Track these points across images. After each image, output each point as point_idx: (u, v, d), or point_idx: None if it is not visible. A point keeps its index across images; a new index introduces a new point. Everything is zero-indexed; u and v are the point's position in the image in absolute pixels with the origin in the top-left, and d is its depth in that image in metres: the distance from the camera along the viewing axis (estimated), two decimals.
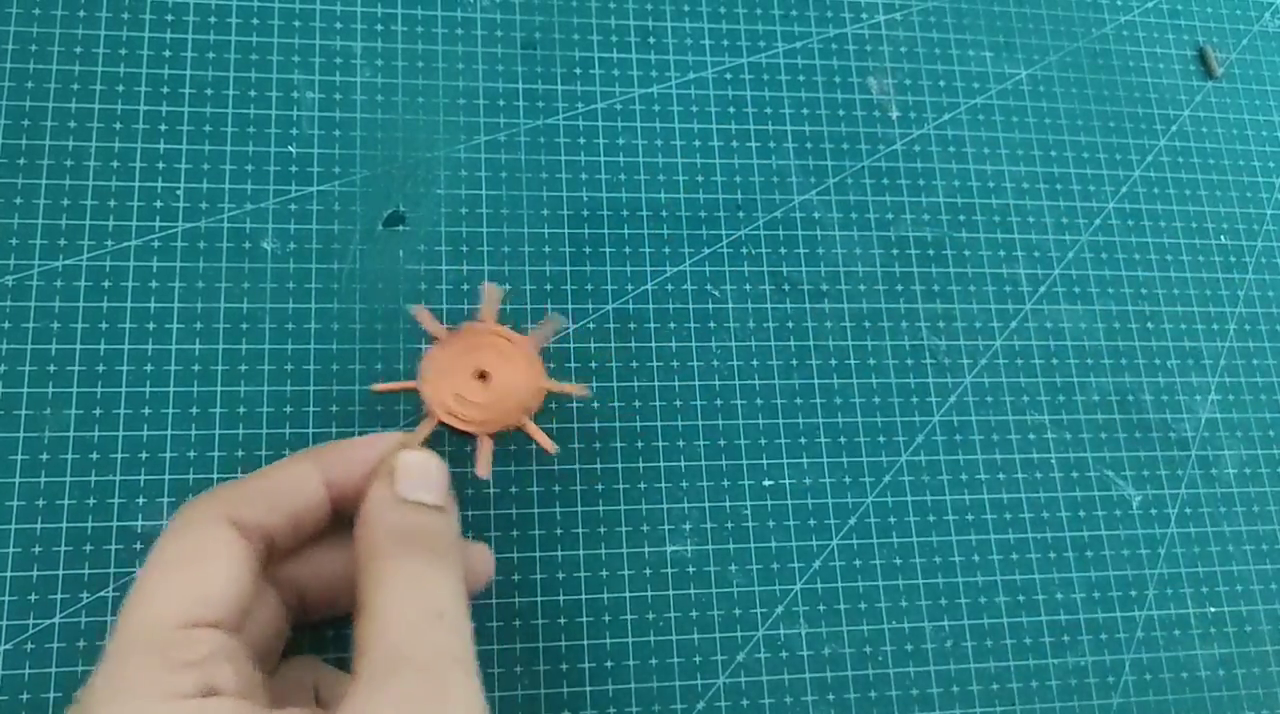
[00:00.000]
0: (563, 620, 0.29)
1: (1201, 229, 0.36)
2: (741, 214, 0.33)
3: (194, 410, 0.28)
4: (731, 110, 0.34)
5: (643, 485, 0.30)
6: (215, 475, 0.28)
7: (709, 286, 0.32)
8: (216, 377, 0.28)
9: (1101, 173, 0.36)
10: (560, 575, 0.29)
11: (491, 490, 0.29)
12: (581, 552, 0.29)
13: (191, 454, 0.28)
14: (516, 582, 0.29)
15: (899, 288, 0.33)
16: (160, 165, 0.30)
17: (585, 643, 0.28)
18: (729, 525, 0.30)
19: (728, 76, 0.34)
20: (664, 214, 0.32)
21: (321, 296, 0.30)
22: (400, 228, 0.31)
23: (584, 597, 0.29)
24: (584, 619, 0.29)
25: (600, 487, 0.30)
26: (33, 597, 0.26)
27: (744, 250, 0.32)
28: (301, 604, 0.24)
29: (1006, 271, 0.34)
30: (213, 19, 0.31)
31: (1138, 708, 0.31)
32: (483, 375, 0.25)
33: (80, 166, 0.29)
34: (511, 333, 0.26)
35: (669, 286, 0.32)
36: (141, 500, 0.27)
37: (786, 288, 0.32)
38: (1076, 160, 0.35)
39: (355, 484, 0.22)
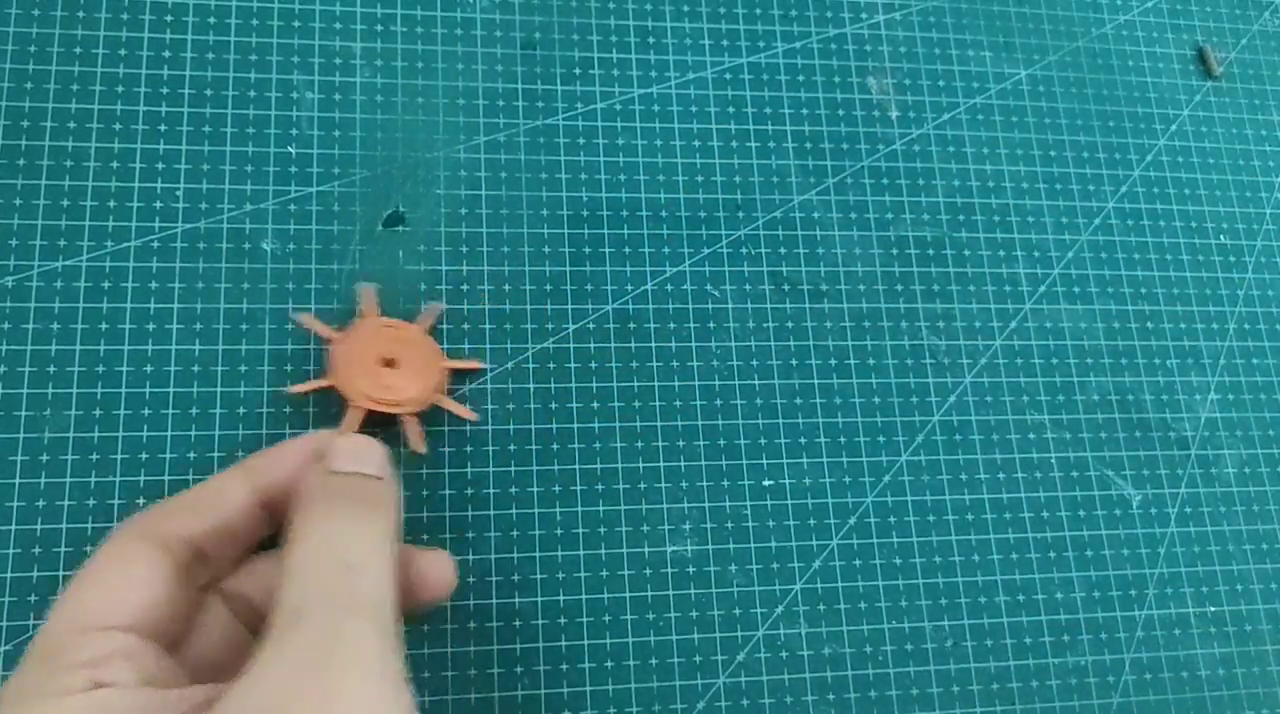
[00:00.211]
0: (563, 620, 0.29)
1: (1201, 229, 0.36)
2: (741, 214, 0.33)
3: (194, 411, 0.28)
4: (731, 110, 0.34)
5: (643, 485, 0.30)
6: None
7: (709, 286, 0.32)
8: (216, 377, 0.28)
9: (1101, 172, 0.36)
10: (560, 575, 0.29)
11: (492, 491, 0.29)
12: (581, 552, 0.29)
13: (191, 455, 0.28)
14: (516, 582, 0.29)
15: (899, 288, 0.33)
16: (160, 166, 0.30)
17: (585, 643, 0.28)
18: (729, 525, 0.30)
19: (728, 76, 0.34)
20: (664, 214, 0.32)
21: (321, 297, 0.30)
22: (400, 228, 0.31)
23: (584, 597, 0.29)
24: (584, 619, 0.29)
25: (600, 487, 0.30)
26: (32, 597, 0.26)
27: (744, 250, 0.32)
28: (254, 616, 0.24)
29: (1006, 271, 0.34)
30: (212, 19, 0.31)
31: (1138, 708, 0.31)
32: (390, 362, 0.27)
33: (80, 167, 0.29)
34: (400, 322, 0.28)
35: (669, 286, 0.32)
36: (141, 501, 0.27)
37: (786, 288, 0.32)
38: (1076, 160, 0.35)
39: (285, 486, 0.23)
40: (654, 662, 0.29)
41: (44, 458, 0.27)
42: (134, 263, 0.29)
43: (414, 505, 0.29)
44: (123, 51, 0.30)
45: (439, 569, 0.24)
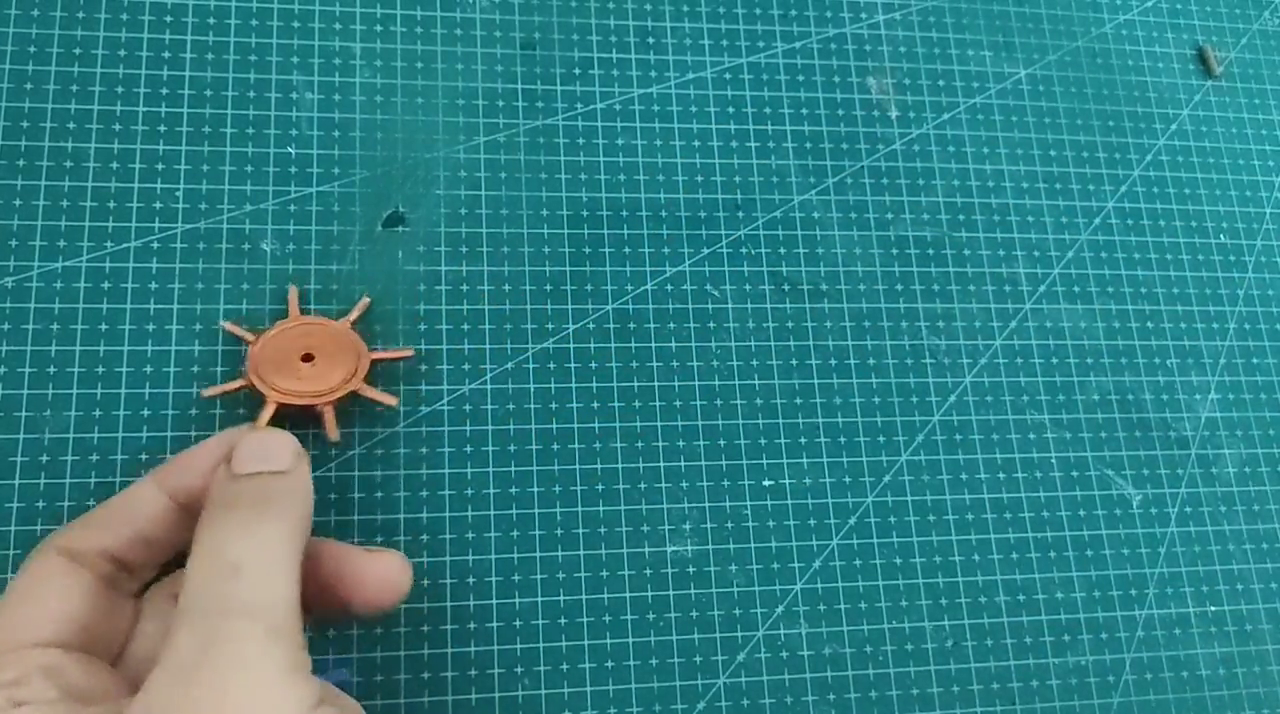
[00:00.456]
0: (563, 620, 0.29)
1: (1201, 228, 0.36)
2: (741, 214, 0.33)
3: (193, 412, 0.28)
4: (731, 110, 0.34)
5: (643, 485, 0.30)
6: None
7: (709, 286, 0.32)
8: (217, 377, 0.28)
9: (1101, 172, 0.36)
10: (560, 575, 0.29)
11: (492, 491, 0.29)
12: (581, 552, 0.29)
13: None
14: (516, 582, 0.29)
15: (899, 288, 0.33)
16: (159, 166, 0.30)
17: (585, 643, 0.28)
18: (729, 525, 0.30)
19: (727, 76, 0.34)
20: (664, 214, 0.32)
21: (321, 297, 0.30)
22: (400, 228, 0.31)
23: (584, 597, 0.29)
24: (584, 619, 0.29)
25: (600, 487, 0.30)
26: None
27: (744, 250, 0.32)
28: None
29: (1006, 271, 0.34)
30: (212, 20, 0.31)
31: (1138, 707, 0.31)
32: (308, 357, 0.28)
33: (79, 168, 0.29)
34: (323, 319, 0.28)
35: (669, 286, 0.32)
36: None
37: (786, 288, 0.32)
38: (1076, 160, 0.35)
39: (200, 488, 0.23)
40: (654, 662, 0.29)
41: (44, 458, 0.27)
42: (134, 263, 0.29)
43: (414, 506, 0.29)
44: (122, 52, 0.30)
45: (381, 572, 0.23)
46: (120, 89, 0.30)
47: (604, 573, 0.29)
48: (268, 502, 0.21)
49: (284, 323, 0.28)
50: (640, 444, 0.30)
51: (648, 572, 0.29)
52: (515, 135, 0.32)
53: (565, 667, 0.28)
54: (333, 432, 0.27)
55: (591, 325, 0.31)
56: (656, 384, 0.31)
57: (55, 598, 0.21)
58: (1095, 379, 0.33)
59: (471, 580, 0.28)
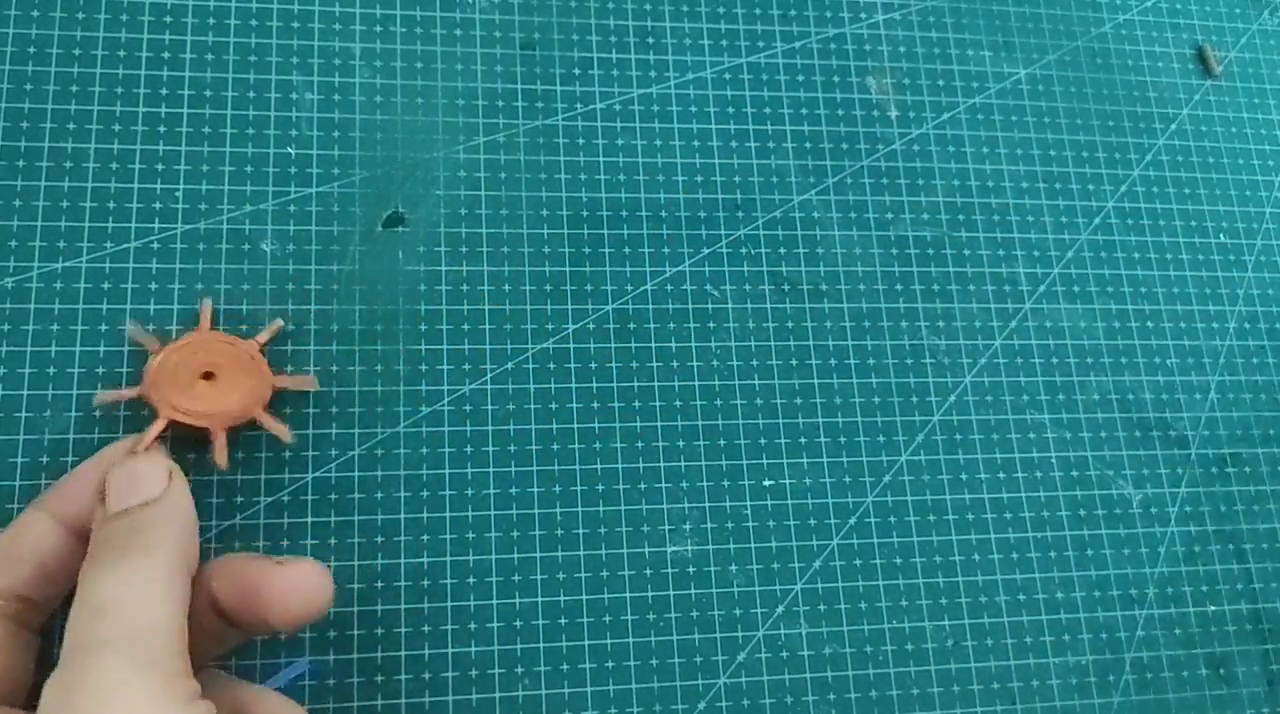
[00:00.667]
0: (563, 620, 0.29)
1: (1201, 228, 0.36)
2: (741, 214, 0.33)
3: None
4: (731, 110, 0.34)
5: (643, 485, 0.30)
6: (216, 478, 0.28)
7: (709, 286, 0.32)
8: None
9: (1100, 172, 0.36)
10: (560, 575, 0.29)
11: (492, 491, 0.29)
12: (581, 552, 0.29)
13: (191, 455, 0.28)
14: (517, 582, 0.29)
15: (899, 288, 0.33)
16: (159, 167, 0.30)
17: (585, 643, 0.28)
18: (729, 525, 0.30)
19: (727, 76, 0.34)
20: (664, 214, 0.32)
21: (321, 297, 0.30)
22: (400, 228, 0.31)
23: (584, 597, 0.29)
24: (584, 619, 0.29)
25: (600, 487, 0.30)
26: None
27: (744, 250, 0.32)
28: None
29: (1006, 271, 0.34)
30: (211, 20, 0.31)
31: (1137, 707, 0.31)
32: (208, 375, 0.27)
33: (79, 168, 0.29)
34: (233, 337, 0.28)
35: (669, 286, 0.32)
36: None
37: (786, 288, 0.32)
38: (1075, 159, 0.35)
39: (87, 513, 0.23)
40: (654, 662, 0.29)
41: (44, 459, 0.27)
42: (134, 263, 0.29)
43: (414, 506, 0.29)
44: (122, 53, 0.30)
45: (294, 583, 0.23)
46: (120, 89, 0.30)
47: (604, 573, 0.29)
48: (134, 536, 0.21)
49: (193, 336, 0.27)
50: (640, 444, 0.30)
51: (648, 572, 0.29)
52: (515, 135, 0.32)
53: (565, 667, 0.28)
54: (222, 459, 0.27)
55: (591, 325, 0.31)
56: (656, 384, 0.31)
57: None
58: (1095, 379, 0.33)
59: (471, 580, 0.28)
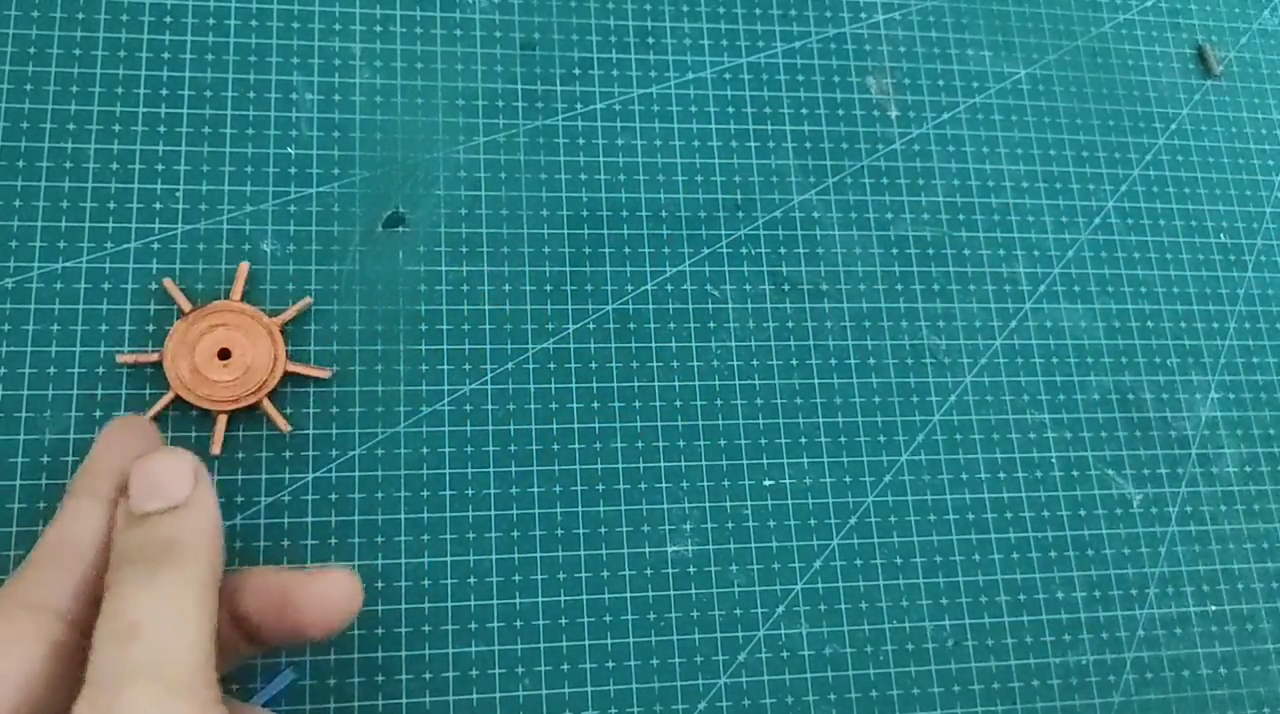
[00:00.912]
0: (563, 620, 0.29)
1: (1201, 228, 0.36)
2: (741, 214, 0.33)
3: (194, 412, 0.28)
4: (731, 110, 0.34)
5: (643, 485, 0.30)
6: (216, 478, 0.28)
7: (709, 286, 0.32)
8: None
9: (1101, 172, 0.36)
10: (560, 575, 0.29)
11: (492, 491, 0.29)
12: (581, 552, 0.29)
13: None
14: (517, 582, 0.29)
15: (899, 287, 0.33)
16: (159, 167, 0.30)
17: (585, 643, 0.28)
18: (729, 525, 0.30)
19: (727, 76, 0.34)
20: (664, 214, 0.32)
21: (321, 297, 0.30)
22: (400, 229, 0.31)
23: (584, 597, 0.29)
24: (584, 619, 0.29)
25: (600, 487, 0.30)
26: None
27: (744, 250, 0.32)
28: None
29: (1006, 271, 0.34)
30: (211, 21, 0.31)
31: (1138, 707, 0.31)
32: (224, 353, 0.27)
33: (79, 168, 0.29)
34: (258, 312, 0.28)
35: (669, 286, 0.32)
36: None
37: (786, 288, 0.32)
38: (1076, 159, 0.35)
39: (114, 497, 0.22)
40: (655, 662, 0.29)
41: (44, 458, 0.27)
42: (134, 263, 0.29)
43: (414, 506, 0.29)
44: (122, 53, 0.30)
45: (331, 591, 0.23)
46: (120, 89, 0.30)
47: (604, 573, 0.29)
48: (165, 548, 0.20)
49: (221, 303, 0.28)
50: (640, 444, 0.30)
51: (648, 572, 0.29)
52: (515, 135, 0.32)
53: (566, 667, 0.28)
54: (217, 447, 0.27)
55: (591, 325, 0.31)
56: (656, 384, 0.31)
57: (13, 668, 0.20)
58: (1095, 379, 0.33)
59: (471, 580, 0.28)
